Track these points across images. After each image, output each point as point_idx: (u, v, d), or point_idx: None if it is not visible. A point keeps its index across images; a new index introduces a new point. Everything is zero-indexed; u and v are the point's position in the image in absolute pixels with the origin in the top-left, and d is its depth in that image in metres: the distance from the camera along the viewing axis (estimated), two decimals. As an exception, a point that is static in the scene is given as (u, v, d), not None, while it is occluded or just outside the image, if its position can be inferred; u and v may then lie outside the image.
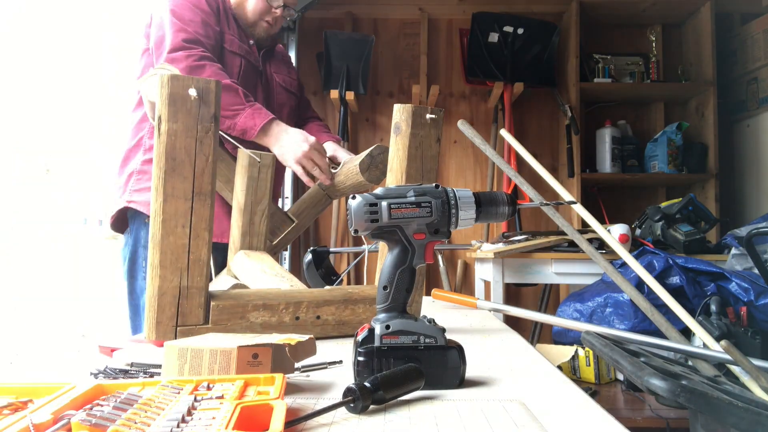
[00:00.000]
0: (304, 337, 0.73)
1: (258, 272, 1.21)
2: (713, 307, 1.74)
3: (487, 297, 2.51)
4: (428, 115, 1.06)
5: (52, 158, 3.17)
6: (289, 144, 1.45)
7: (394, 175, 1.08)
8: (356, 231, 0.69)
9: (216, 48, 1.57)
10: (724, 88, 3.18)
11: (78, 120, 3.11)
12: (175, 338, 0.91)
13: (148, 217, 1.59)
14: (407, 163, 1.06)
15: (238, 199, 1.35)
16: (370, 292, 1.08)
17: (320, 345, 0.89)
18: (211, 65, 1.47)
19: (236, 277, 1.29)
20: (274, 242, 1.48)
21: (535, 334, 3.13)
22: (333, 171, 1.49)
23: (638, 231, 2.49)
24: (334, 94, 3.05)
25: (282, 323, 1.00)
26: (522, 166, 2.91)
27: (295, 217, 1.54)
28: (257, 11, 1.66)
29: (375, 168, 1.35)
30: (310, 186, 1.56)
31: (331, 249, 3.10)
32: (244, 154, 1.35)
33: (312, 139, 1.46)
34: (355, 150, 3.32)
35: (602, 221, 2.83)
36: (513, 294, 3.22)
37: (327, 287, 1.12)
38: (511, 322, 2.30)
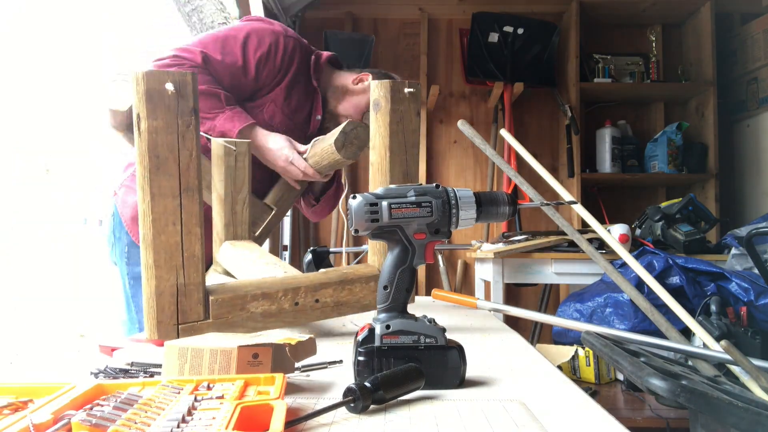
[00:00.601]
0: (304, 337, 0.73)
1: (249, 263, 1.20)
2: (713, 307, 1.74)
3: (487, 297, 2.51)
4: (406, 90, 1.06)
5: (52, 158, 3.17)
6: (269, 155, 1.47)
7: (377, 151, 1.09)
8: (356, 231, 0.69)
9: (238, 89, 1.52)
10: (724, 88, 3.18)
11: (78, 120, 3.11)
12: (178, 336, 0.91)
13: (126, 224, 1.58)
14: (389, 138, 1.06)
15: (217, 190, 1.33)
16: (365, 271, 1.08)
17: (321, 344, 0.88)
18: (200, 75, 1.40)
19: (227, 272, 1.29)
20: (257, 232, 1.49)
21: (535, 334, 3.13)
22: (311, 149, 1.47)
23: (638, 231, 2.49)
24: (334, 94, 3.05)
25: (282, 310, 1.00)
26: (522, 166, 2.91)
27: (273, 205, 1.54)
28: (349, 113, 1.63)
29: (350, 144, 1.33)
30: (297, 188, 1.56)
31: (331, 249, 3.10)
32: (218, 144, 1.31)
33: (286, 151, 1.46)
34: (355, 150, 3.32)
35: (602, 221, 2.83)
36: (513, 294, 3.22)
37: (322, 270, 1.12)
38: (511, 322, 2.29)
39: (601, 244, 2.17)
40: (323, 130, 1.61)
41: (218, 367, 0.63)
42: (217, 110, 1.44)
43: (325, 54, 1.65)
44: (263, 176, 1.56)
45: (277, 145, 1.47)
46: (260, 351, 0.64)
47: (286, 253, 3.20)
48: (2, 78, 3.08)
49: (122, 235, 1.63)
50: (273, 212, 1.54)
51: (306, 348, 0.73)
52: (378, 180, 1.09)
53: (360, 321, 1.09)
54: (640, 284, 1.75)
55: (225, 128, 1.44)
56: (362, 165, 3.33)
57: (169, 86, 0.88)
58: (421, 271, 3.29)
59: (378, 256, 1.11)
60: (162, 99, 0.88)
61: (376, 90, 1.07)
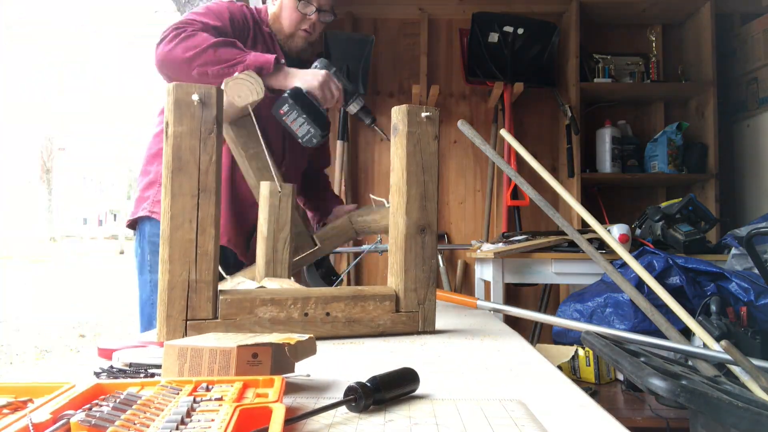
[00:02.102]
0: (304, 337, 0.73)
1: (276, 286, 1.23)
2: (713, 307, 1.74)
3: (487, 297, 2.51)
4: (423, 114, 1.11)
5: (52, 161, 3.17)
6: (310, 74, 1.52)
7: (396, 173, 1.12)
8: None
9: None
10: (724, 88, 3.18)
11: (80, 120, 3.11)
12: (185, 332, 0.95)
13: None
14: (406, 160, 1.10)
15: (261, 228, 1.39)
16: (380, 290, 1.09)
17: (326, 345, 0.88)
18: (202, 32, 1.46)
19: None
20: (294, 259, 1.50)
21: (535, 334, 3.13)
22: (373, 208, 1.57)
23: (638, 231, 2.49)
24: (334, 94, 3.05)
25: (291, 319, 1.01)
26: (522, 166, 2.91)
27: (319, 241, 1.56)
28: (292, 22, 1.68)
29: None
30: (327, 107, 1.57)
31: (331, 249, 3.10)
32: (264, 185, 1.39)
33: (323, 73, 1.53)
34: (355, 149, 3.32)
35: (602, 221, 2.83)
36: (513, 294, 3.22)
37: (338, 287, 1.14)
38: (511, 322, 2.30)
39: (601, 244, 2.17)
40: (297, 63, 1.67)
41: (218, 366, 0.63)
42: (243, 52, 1.47)
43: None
44: (276, 136, 1.62)
45: (313, 70, 1.54)
46: (260, 351, 0.64)
47: (286, 253, 3.19)
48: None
49: (144, 245, 1.65)
50: (315, 248, 1.56)
51: (306, 347, 0.72)
52: (396, 200, 1.12)
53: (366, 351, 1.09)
54: (640, 284, 1.75)
55: (260, 62, 1.44)
56: (361, 167, 3.33)
57: (195, 97, 0.97)
58: (421, 271, 3.28)
59: (395, 277, 1.11)
60: (188, 108, 0.97)
61: (394, 115, 1.13)
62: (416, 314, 1.10)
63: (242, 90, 1.33)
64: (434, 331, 1.14)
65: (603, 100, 3.30)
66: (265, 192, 1.39)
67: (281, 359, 0.67)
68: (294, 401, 0.63)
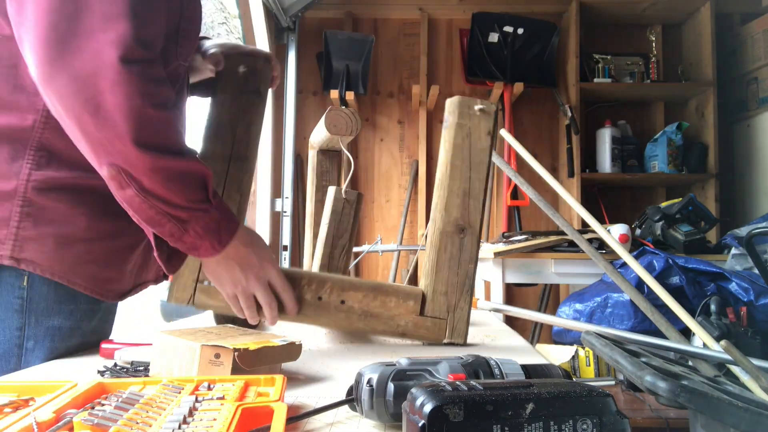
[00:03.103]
0: (287, 341, 0.72)
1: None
2: (713, 307, 1.75)
3: (487, 297, 2.52)
4: (476, 107, 1.03)
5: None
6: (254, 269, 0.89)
7: (440, 167, 1.05)
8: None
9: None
10: (724, 88, 3.18)
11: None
12: (194, 294, 0.93)
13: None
14: (452, 153, 1.02)
15: (321, 232, 1.34)
16: (406, 288, 1.00)
17: (328, 352, 0.88)
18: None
19: None
20: None
21: (535, 334, 3.14)
22: None
23: (638, 231, 2.49)
24: (334, 94, 3.05)
25: (302, 300, 0.93)
26: (522, 166, 2.91)
27: None
28: None
29: None
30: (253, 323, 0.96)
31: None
32: (331, 189, 1.36)
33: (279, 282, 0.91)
34: (354, 149, 3.32)
35: (602, 221, 2.83)
36: (513, 294, 3.22)
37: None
38: (511, 322, 2.30)
39: (601, 244, 2.17)
40: None
41: (186, 361, 0.65)
42: (200, 205, 0.79)
43: None
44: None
45: (264, 255, 0.90)
46: (222, 352, 0.64)
47: (286, 253, 3.20)
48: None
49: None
50: None
51: (290, 352, 0.72)
52: (438, 194, 1.03)
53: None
54: (640, 284, 1.75)
55: (200, 245, 0.80)
56: (361, 167, 3.33)
57: (241, 68, 1.01)
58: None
59: (425, 278, 1.00)
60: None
61: (447, 106, 1.06)
62: (443, 321, 0.98)
63: (339, 121, 1.26)
64: (465, 344, 0.99)
65: (603, 100, 3.30)
66: (329, 197, 1.34)
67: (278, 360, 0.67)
68: (296, 400, 0.64)
